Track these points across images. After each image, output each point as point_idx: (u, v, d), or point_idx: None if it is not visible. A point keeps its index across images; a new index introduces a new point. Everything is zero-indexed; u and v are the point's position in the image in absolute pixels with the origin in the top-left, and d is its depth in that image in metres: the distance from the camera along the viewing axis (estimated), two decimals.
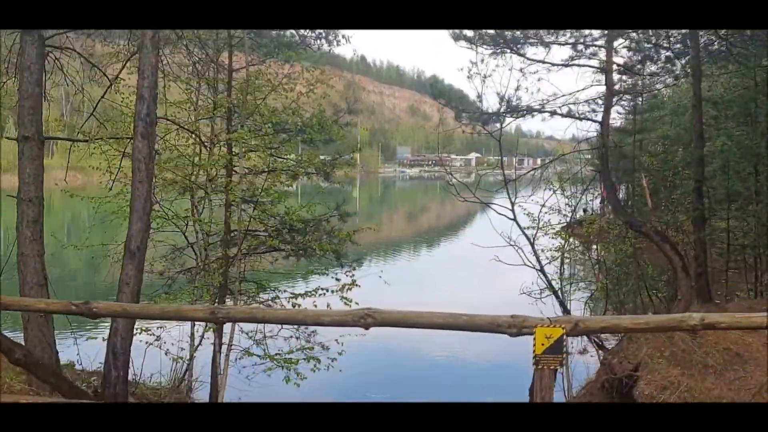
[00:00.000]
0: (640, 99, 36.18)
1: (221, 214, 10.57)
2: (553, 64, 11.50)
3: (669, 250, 10.30)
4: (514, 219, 13.52)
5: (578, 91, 11.38)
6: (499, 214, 13.83)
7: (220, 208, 10.35)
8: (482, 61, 12.22)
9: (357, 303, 9.61)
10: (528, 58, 11.50)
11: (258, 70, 9.34)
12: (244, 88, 9.10)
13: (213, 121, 9.58)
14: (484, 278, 20.15)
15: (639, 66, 13.61)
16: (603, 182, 11.37)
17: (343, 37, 10.71)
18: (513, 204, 13.57)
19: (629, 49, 13.78)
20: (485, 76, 12.70)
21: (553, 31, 11.90)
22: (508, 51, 11.30)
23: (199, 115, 9.39)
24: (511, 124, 13.53)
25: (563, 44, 11.80)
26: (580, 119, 11.64)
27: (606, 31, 11.30)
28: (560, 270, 13.17)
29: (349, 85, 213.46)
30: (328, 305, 9.72)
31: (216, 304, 5.37)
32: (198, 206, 10.16)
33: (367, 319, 4.39)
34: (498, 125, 13.94)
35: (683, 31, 14.14)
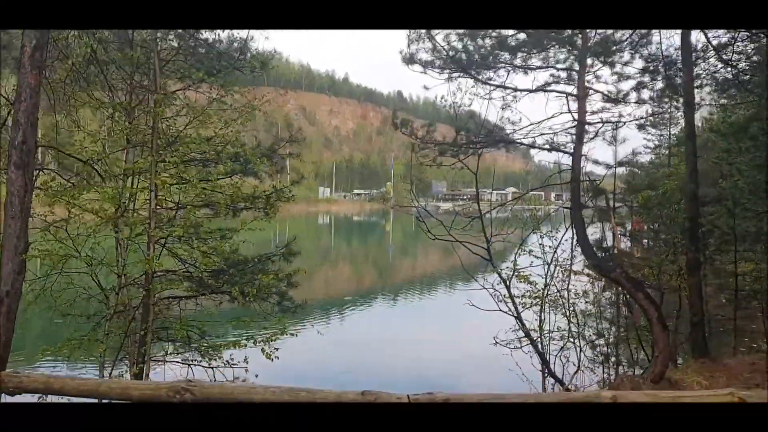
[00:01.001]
0: (668, 132, 34.62)
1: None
2: (517, 90, 10.43)
3: (642, 299, 9.00)
4: (490, 259, 12.38)
5: (546, 119, 10.27)
6: (474, 253, 12.71)
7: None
8: (459, 88, 11.32)
9: (278, 357, 8.58)
10: (487, 83, 10.46)
11: (163, 95, 8.48)
12: (156, 116, 8.28)
13: (126, 152, 8.77)
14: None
15: (634, 92, 12.53)
16: (573, 220, 10.16)
17: (271, 66, 9.78)
18: (489, 242, 12.45)
19: (618, 75, 12.73)
20: (460, 106, 11.83)
21: (523, 54, 10.89)
22: (465, 75, 10.29)
23: (114, 144, 8.58)
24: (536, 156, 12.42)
25: (534, 68, 10.73)
26: (550, 150, 10.50)
27: (575, 53, 10.22)
28: (539, 317, 11.88)
29: (385, 119, 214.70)
30: (245, 359, 8.74)
31: (12, 371, 4.46)
32: (122, 245, 9.28)
33: (185, 394, 3.86)
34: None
35: (679, 57, 13.02)
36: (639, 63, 12.73)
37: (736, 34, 14.37)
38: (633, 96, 12.23)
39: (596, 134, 11.34)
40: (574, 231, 10.05)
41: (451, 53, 10.09)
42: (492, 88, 10.47)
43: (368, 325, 25.90)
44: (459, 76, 10.29)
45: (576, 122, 10.16)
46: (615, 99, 11.23)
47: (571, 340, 11.56)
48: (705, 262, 12.26)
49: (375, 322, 26.90)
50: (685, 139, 12.04)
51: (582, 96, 10.14)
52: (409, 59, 10.04)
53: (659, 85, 13.00)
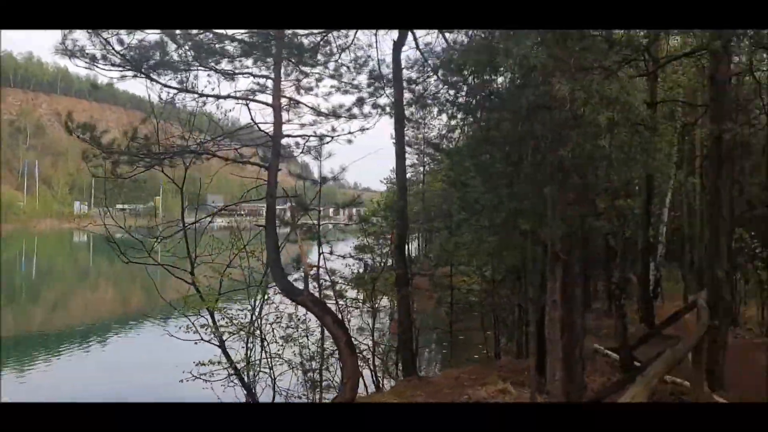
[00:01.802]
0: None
1: None
2: (202, 95, 9.39)
3: (330, 323, 8.46)
4: (192, 283, 11.15)
5: (238, 129, 9.36)
6: (177, 277, 11.38)
7: None
8: (165, 92, 10.00)
9: None
10: (167, 86, 9.31)
11: None
12: None
13: None
14: None
15: (352, 107, 12.24)
16: (266, 239, 9.37)
17: None
18: (193, 264, 11.24)
19: (338, 89, 12.37)
20: (161, 111, 10.59)
21: (220, 60, 9.90)
22: (140, 75, 9.01)
23: None
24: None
25: (233, 74, 9.77)
26: (243, 163, 9.62)
27: (267, 62, 9.49)
28: (246, 347, 10.85)
29: (154, 130, 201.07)
30: None
31: None
32: None
33: None
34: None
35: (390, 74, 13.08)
36: (349, 78, 12.59)
37: (453, 55, 14.91)
38: (345, 111, 12.00)
39: (304, 148, 10.77)
40: (266, 250, 9.23)
41: (126, 51, 8.72)
42: (175, 92, 9.31)
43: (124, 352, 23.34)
44: (134, 76, 8.95)
45: (272, 135, 9.36)
46: (322, 113, 10.75)
47: (265, 370, 10.71)
48: (412, 278, 12.26)
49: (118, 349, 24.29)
50: (396, 159, 11.92)
51: (277, 107, 9.38)
52: (72, 52, 8.45)
53: (383, 100, 12.96)
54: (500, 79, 13.22)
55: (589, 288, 21.77)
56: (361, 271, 12.73)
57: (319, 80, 10.61)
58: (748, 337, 16.35)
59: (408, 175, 41.39)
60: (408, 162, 39.70)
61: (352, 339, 8.84)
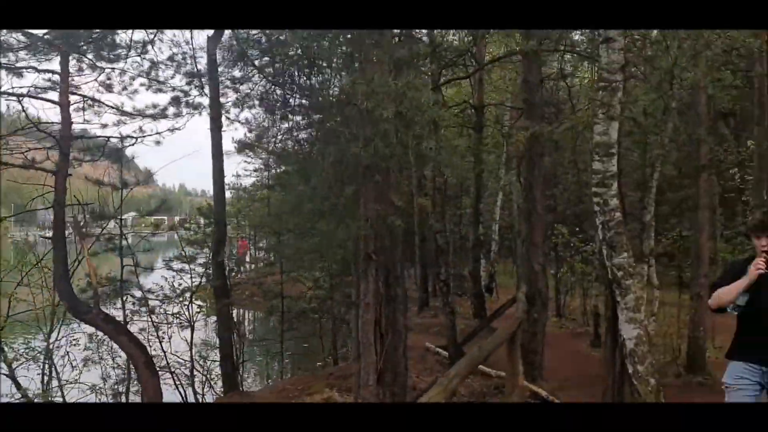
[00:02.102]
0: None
1: None
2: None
3: (126, 342, 7.70)
4: None
5: (16, 131, 8.28)
6: None
7: None
8: None
9: None
10: None
11: None
12: None
13: None
14: None
15: (167, 106, 11.41)
16: (54, 252, 8.40)
17: None
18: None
19: (150, 87, 11.49)
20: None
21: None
22: None
23: None
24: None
25: (15, 68, 8.63)
26: (27, 168, 8.56)
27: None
28: (42, 373, 9.66)
29: None
30: None
31: None
32: None
33: None
34: None
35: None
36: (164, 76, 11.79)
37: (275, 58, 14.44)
38: (160, 110, 11.20)
39: (104, 150, 9.82)
40: (54, 266, 8.26)
41: None
42: None
43: None
44: None
45: (59, 136, 8.38)
46: (126, 112, 9.84)
47: (58, 398, 9.65)
48: (231, 288, 11.64)
49: None
50: (212, 159, 11.22)
51: (65, 105, 8.40)
52: None
53: (201, 99, 12.22)
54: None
55: (427, 286, 22.18)
56: (181, 283, 11.86)
57: (132, 78, 9.72)
58: (572, 327, 17.37)
59: (253, 180, 40.07)
60: (253, 166, 38.60)
61: (153, 357, 8.09)
